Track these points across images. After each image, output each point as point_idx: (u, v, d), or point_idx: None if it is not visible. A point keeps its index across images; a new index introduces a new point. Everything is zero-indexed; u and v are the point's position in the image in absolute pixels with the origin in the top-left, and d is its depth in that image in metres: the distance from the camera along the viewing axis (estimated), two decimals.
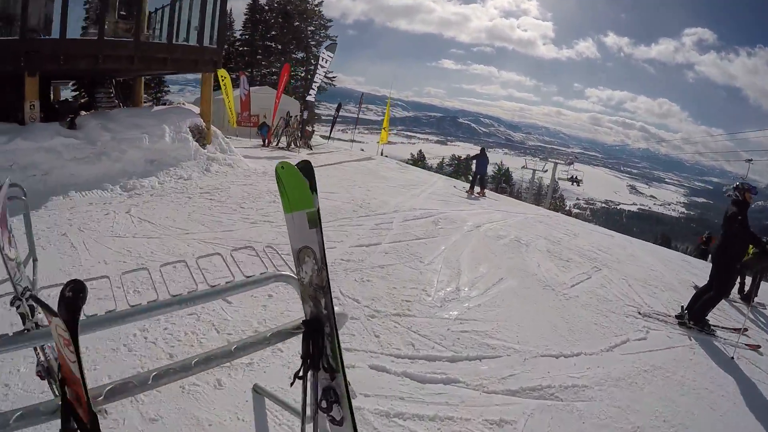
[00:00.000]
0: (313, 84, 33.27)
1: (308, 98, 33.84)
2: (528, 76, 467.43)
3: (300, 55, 55.65)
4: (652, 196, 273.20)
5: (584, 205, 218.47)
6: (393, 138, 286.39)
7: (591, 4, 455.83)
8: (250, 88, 36.73)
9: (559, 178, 64.35)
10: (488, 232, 15.01)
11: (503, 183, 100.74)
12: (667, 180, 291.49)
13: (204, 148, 19.05)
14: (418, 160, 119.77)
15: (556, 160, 67.48)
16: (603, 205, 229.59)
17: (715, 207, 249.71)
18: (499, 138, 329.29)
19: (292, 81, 54.74)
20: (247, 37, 54.89)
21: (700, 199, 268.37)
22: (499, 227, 16.02)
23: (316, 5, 55.78)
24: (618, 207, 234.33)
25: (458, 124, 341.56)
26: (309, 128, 34.26)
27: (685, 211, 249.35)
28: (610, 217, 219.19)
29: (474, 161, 24.58)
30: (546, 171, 68.62)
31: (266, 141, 32.07)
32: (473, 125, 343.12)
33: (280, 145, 31.96)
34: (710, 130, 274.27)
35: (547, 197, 66.20)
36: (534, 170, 70.96)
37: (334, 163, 25.36)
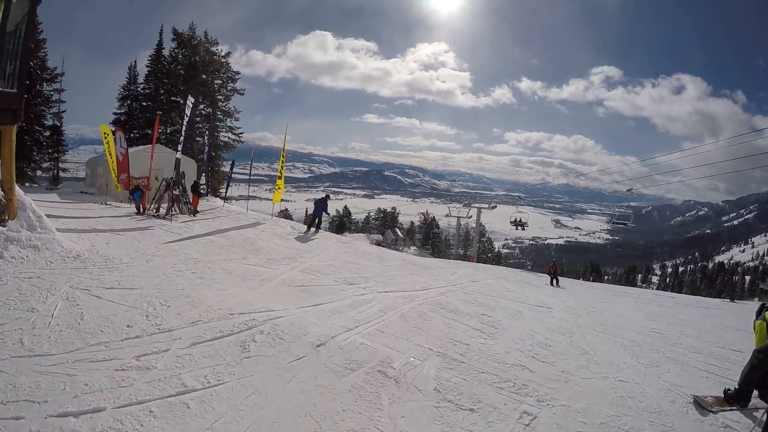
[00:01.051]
0: (180, 138, 28.46)
1: (177, 156, 28.02)
2: (449, 125, 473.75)
3: (207, 110, 48.82)
4: (576, 227, 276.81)
5: (512, 245, 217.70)
6: (320, 195, 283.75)
7: (504, 53, 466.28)
8: (142, 147, 34.01)
9: (512, 222, 58.33)
10: (338, 352, 8.59)
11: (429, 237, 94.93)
12: (588, 210, 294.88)
13: (3, 226, 12.90)
14: (344, 217, 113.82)
15: (480, 205, 63.42)
16: (531, 242, 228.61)
17: (636, 229, 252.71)
18: (425, 187, 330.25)
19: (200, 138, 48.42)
20: (149, 91, 47.62)
21: (622, 225, 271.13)
22: (365, 335, 9.70)
23: (223, 57, 49.18)
24: (546, 242, 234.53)
25: (384, 177, 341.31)
26: (202, 190, 27.93)
27: (610, 237, 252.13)
28: (539, 253, 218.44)
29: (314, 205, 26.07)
30: (471, 217, 64.10)
31: (140, 208, 25.61)
32: (399, 177, 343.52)
33: (159, 212, 26.06)
34: (624, 158, 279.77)
35: (474, 243, 61.45)
36: (458, 217, 66.49)
37: (206, 233, 20.32)
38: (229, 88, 50.54)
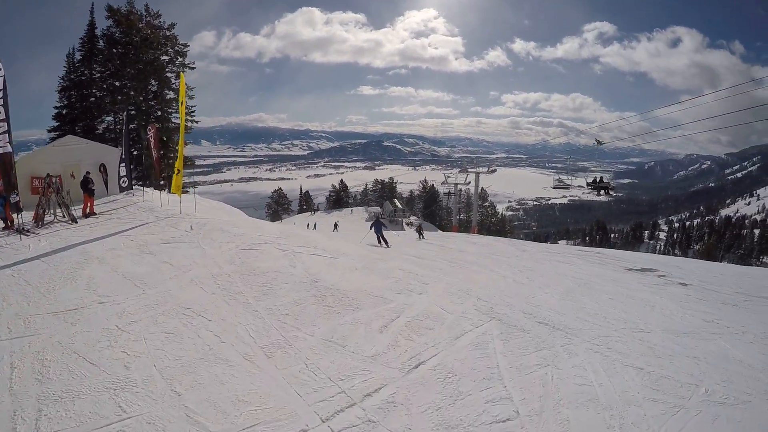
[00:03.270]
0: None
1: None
2: (445, 91, 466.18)
3: (154, 88, 41.63)
4: (579, 186, 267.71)
5: (516, 207, 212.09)
6: (320, 170, 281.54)
7: (494, 15, 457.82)
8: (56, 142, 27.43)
9: (553, 187, 56.15)
10: None
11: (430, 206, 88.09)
12: (591, 168, 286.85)
13: None
14: (340, 191, 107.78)
15: (477, 170, 56.26)
16: (534, 203, 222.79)
17: (640, 185, 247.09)
18: (425, 155, 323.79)
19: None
20: (84, 78, 40.32)
21: (625, 180, 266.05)
22: None
23: (167, 29, 41.72)
24: (549, 202, 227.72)
25: (383, 147, 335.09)
26: (93, 186, 20.48)
27: (613, 194, 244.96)
28: (543, 213, 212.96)
29: (372, 227, 25.85)
30: (469, 183, 57.04)
31: (6, 221, 17.25)
32: (398, 146, 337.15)
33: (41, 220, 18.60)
34: (623, 114, 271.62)
35: (474, 212, 54.83)
36: (455, 184, 59.58)
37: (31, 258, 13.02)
38: (177, 63, 42.85)
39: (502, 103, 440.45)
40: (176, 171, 20.23)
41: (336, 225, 63.82)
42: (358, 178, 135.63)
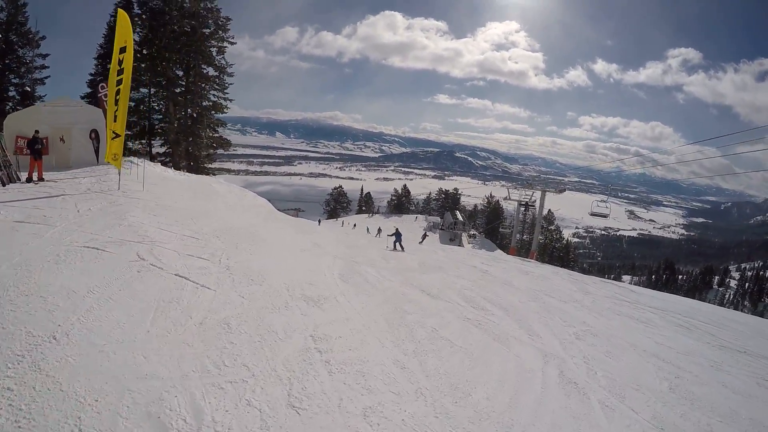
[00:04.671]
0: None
1: None
2: (522, 107, 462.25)
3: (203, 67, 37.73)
4: (651, 219, 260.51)
5: (583, 234, 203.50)
6: (390, 174, 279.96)
7: (576, 33, 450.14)
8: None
9: (591, 213, 49.32)
10: None
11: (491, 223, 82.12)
12: (664, 203, 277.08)
13: None
14: (402, 197, 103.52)
15: (545, 188, 50.74)
16: (602, 232, 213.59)
17: (714, 226, 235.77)
18: (496, 171, 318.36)
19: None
20: (144, 52, 36.73)
21: (699, 219, 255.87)
22: None
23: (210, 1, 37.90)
24: (617, 233, 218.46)
25: (455, 158, 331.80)
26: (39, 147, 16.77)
27: (685, 233, 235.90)
28: (610, 244, 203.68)
29: (393, 236, 26.43)
30: (534, 201, 51.79)
31: None
32: (470, 159, 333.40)
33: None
34: (703, 149, 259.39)
35: (535, 235, 49.25)
36: (519, 201, 54.37)
37: None
38: (217, 36, 38.38)
39: (579, 125, 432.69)
40: (112, 135, 15.91)
41: (379, 230, 57.53)
42: (427, 186, 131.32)
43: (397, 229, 27.51)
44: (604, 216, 46.45)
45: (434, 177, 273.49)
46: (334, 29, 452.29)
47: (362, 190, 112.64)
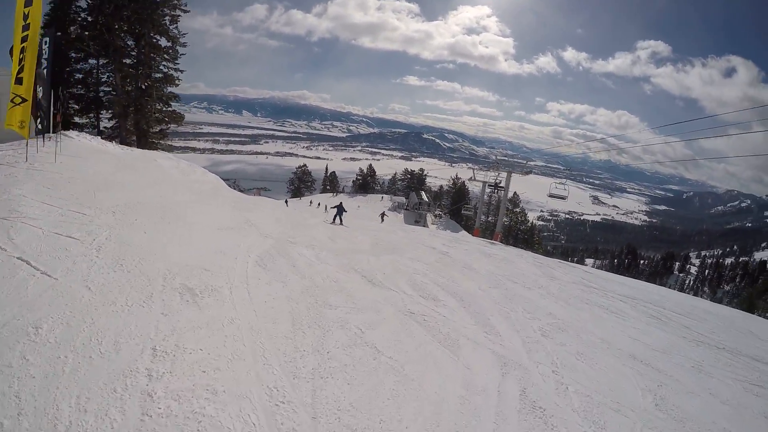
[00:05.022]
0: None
1: None
2: (491, 92, 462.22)
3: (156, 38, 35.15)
4: (614, 205, 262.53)
5: (548, 217, 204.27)
6: (357, 154, 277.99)
7: (548, 21, 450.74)
8: None
9: (549, 195, 46.47)
10: None
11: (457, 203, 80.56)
12: (628, 189, 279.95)
13: None
14: (367, 176, 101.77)
15: (511, 169, 49.19)
16: (567, 216, 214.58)
17: (675, 214, 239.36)
18: (463, 153, 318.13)
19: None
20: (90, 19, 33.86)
21: (661, 207, 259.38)
22: None
23: None
24: (582, 218, 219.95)
25: (423, 139, 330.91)
26: None
27: (648, 219, 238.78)
28: (574, 228, 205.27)
29: (335, 209, 25.66)
30: (500, 183, 50.25)
31: None
32: (438, 141, 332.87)
33: None
34: (668, 139, 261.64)
35: (500, 216, 47.75)
36: (485, 182, 53.04)
37: None
38: (169, 5, 35.48)
39: (546, 111, 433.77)
40: (19, 100, 13.91)
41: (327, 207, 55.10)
42: (393, 167, 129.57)
43: (340, 204, 26.44)
44: (563, 198, 44.89)
45: (401, 158, 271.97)
46: (304, 8, 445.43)
47: (327, 169, 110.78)
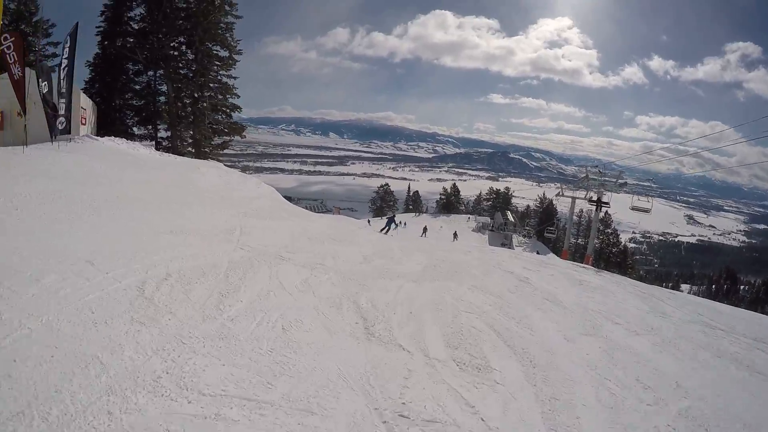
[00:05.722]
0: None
1: None
2: (577, 107, 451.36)
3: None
4: (711, 225, 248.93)
5: (640, 239, 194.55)
6: (443, 175, 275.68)
7: (630, 28, 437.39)
8: None
9: (632, 208, 41.73)
10: None
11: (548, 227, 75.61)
12: (725, 207, 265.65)
13: None
14: (451, 195, 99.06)
15: (602, 185, 45.39)
16: (660, 238, 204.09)
17: None
18: (551, 172, 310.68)
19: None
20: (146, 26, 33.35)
21: (761, 226, 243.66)
22: None
23: None
24: (676, 239, 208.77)
25: (509, 159, 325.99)
26: None
27: (747, 240, 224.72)
28: (668, 250, 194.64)
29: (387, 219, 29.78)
30: (604, 197, 46.79)
31: None
32: (524, 160, 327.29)
33: None
34: (766, 150, 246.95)
35: (591, 237, 44.11)
36: (574, 198, 49.36)
37: None
38: (221, 12, 33.96)
39: (635, 125, 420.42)
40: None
41: (425, 229, 56.42)
42: (479, 187, 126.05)
43: (393, 215, 29.01)
44: (646, 211, 40.94)
45: (488, 178, 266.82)
46: (385, 29, 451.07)
47: (409, 188, 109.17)
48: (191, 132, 34.59)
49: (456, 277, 11.57)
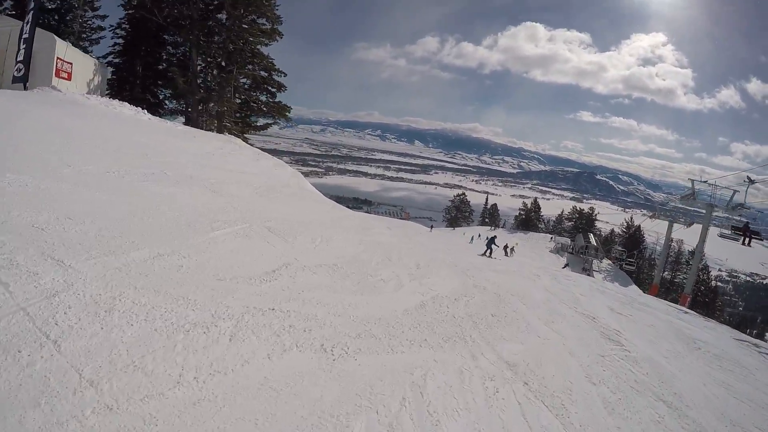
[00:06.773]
0: None
1: None
2: (669, 129, 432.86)
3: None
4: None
5: (726, 278, 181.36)
6: (526, 192, 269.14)
7: (728, 48, 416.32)
8: None
9: (720, 235, 41.31)
10: None
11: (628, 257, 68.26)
12: None
13: None
14: (531, 212, 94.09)
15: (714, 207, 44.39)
16: (747, 278, 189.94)
17: None
18: (638, 198, 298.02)
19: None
20: None
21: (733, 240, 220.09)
22: None
23: None
24: (765, 281, 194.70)
25: (596, 180, 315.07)
26: None
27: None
28: (754, 292, 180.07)
29: (487, 239, 31.73)
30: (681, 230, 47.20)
31: None
32: (611, 183, 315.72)
33: None
34: None
35: (691, 274, 41.44)
36: (670, 220, 49.26)
37: None
38: None
39: (730, 153, 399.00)
40: None
41: (509, 249, 49.03)
42: (562, 207, 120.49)
43: (494, 237, 29.78)
44: (736, 240, 39.86)
45: (572, 198, 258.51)
46: (474, 40, 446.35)
47: (487, 200, 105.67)
48: (213, 104, 32.02)
49: (499, 324, 7.73)
